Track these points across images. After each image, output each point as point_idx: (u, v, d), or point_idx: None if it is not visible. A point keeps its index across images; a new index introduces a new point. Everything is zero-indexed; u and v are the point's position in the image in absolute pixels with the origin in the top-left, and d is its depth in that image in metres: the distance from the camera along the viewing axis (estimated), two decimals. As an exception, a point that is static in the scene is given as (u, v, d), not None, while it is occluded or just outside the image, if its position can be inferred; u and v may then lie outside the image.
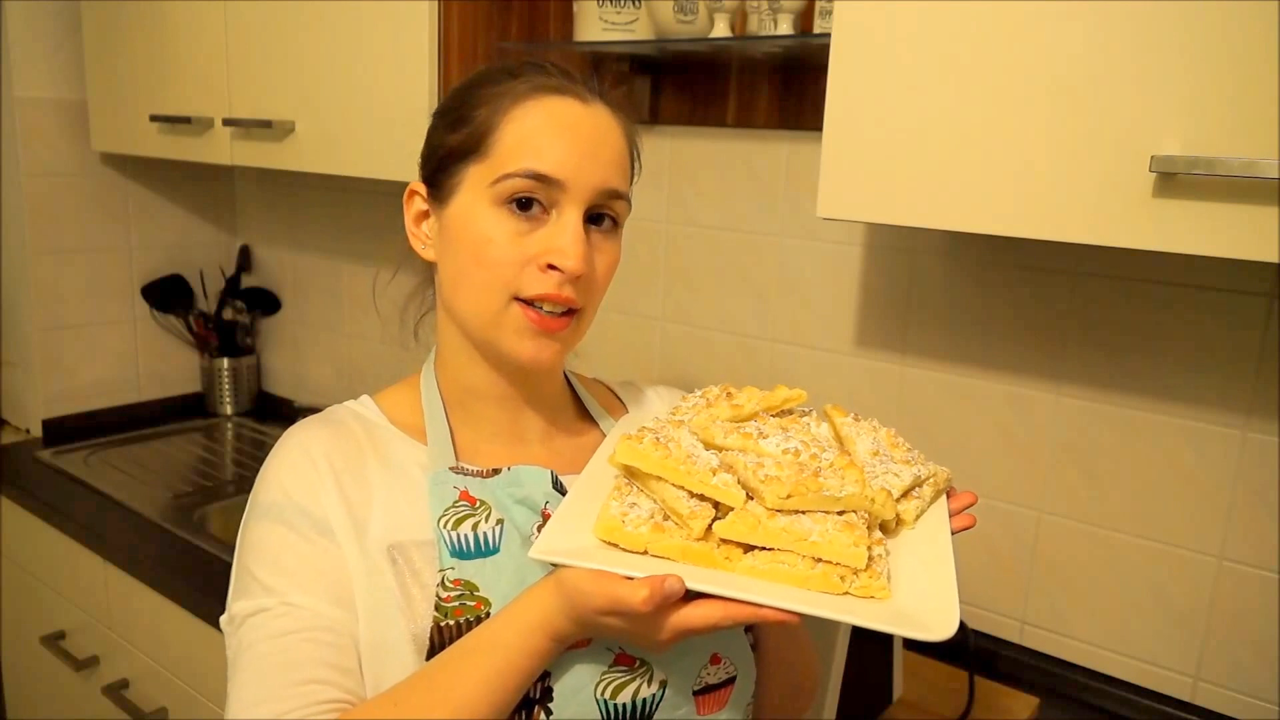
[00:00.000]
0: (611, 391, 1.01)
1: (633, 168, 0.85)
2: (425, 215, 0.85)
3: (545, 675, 0.76)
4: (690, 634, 0.68)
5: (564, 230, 0.78)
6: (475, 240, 0.79)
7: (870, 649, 1.19)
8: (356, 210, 2.15)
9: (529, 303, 0.79)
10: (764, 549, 0.70)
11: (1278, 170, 0.79)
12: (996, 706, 1.28)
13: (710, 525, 0.72)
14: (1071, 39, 0.91)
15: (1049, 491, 1.34)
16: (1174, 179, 0.86)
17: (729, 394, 0.86)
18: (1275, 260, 0.82)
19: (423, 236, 0.86)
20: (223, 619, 0.79)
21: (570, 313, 0.80)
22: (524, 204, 0.78)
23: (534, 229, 0.78)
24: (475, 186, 0.79)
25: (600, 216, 0.81)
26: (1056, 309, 1.30)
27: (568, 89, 0.80)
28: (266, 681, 0.72)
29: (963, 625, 1.33)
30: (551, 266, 0.77)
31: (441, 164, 0.82)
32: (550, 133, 0.78)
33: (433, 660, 0.74)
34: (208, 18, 1.76)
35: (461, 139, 0.80)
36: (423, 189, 0.85)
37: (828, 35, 1.08)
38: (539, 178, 0.77)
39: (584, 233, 0.79)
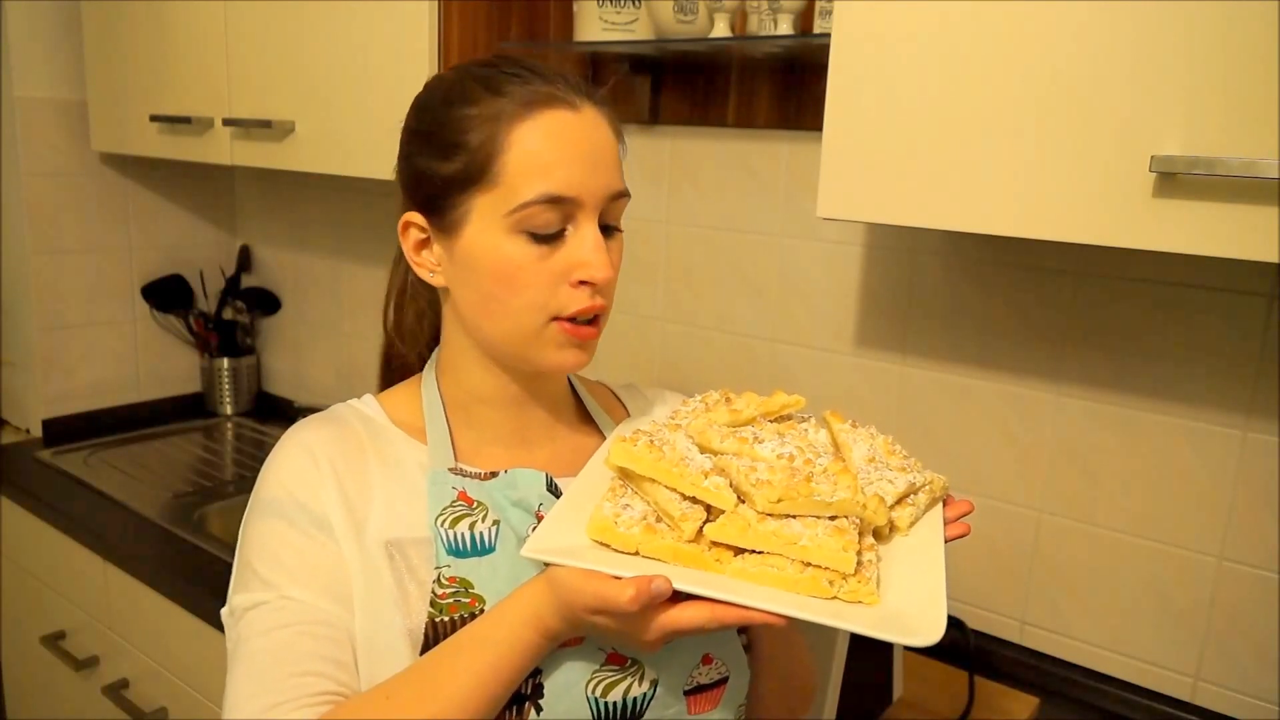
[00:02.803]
0: (613, 394, 1.01)
1: (622, 156, 0.85)
2: (426, 243, 0.84)
3: (536, 672, 0.76)
4: (678, 635, 0.68)
5: (585, 244, 0.78)
6: (502, 270, 0.78)
7: (870, 650, 1.19)
8: (356, 210, 2.15)
9: (567, 318, 0.80)
10: (754, 552, 0.71)
11: (1278, 170, 0.79)
12: (996, 706, 1.28)
13: (702, 528, 0.72)
14: (1071, 39, 0.91)
15: (1049, 491, 1.34)
16: (1174, 179, 0.86)
17: (728, 399, 0.87)
18: (1275, 260, 0.82)
19: (429, 264, 0.84)
20: (223, 611, 0.80)
21: (597, 317, 0.82)
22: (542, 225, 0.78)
23: (556, 248, 0.78)
24: (488, 216, 0.78)
25: (607, 229, 0.82)
26: (1056, 309, 1.30)
27: (557, 99, 0.78)
28: (262, 674, 0.73)
29: (963, 625, 1.33)
30: (583, 282, 0.78)
31: (439, 193, 0.80)
32: (555, 152, 0.77)
33: (426, 655, 0.75)
34: (208, 18, 1.76)
35: (459, 168, 0.78)
36: (419, 219, 0.83)
37: (828, 35, 1.07)
38: (555, 200, 0.77)
39: (602, 238, 0.79)
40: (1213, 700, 1.25)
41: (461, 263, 0.81)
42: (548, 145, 0.77)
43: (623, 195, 0.82)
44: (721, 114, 1.57)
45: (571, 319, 0.80)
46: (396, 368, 0.95)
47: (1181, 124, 0.86)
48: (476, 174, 0.78)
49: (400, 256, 0.88)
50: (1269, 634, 1.20)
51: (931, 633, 0.64)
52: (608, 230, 0.82)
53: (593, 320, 0.81)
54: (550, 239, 0.78)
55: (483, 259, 0.79)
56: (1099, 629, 1.33)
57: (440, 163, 0.79)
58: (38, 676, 2.00)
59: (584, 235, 0.78)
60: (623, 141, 0.84)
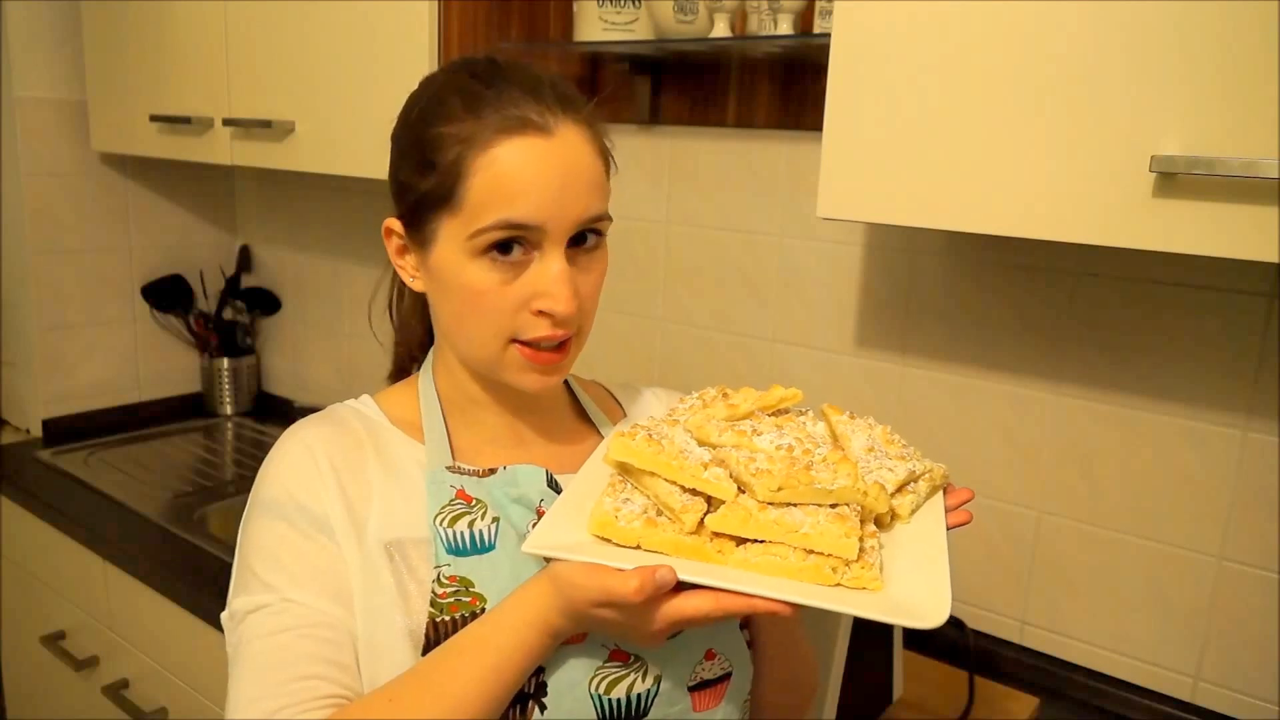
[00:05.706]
0: (610, 394, 1.01)
1: (608, 174, 0.83)
2: (405, 249, 0.84)
3: (540, 671, 0.76)
4: (683, 624, 0.68)
5: (548, 273, 0.77)
6: (464, 292, 0.78)
7: (870, 648, 1.19)
8: (356, 210, 2.15)
9: (526, 342, 0.79)
10: (756, 542, 0.71)
11: (1278, 170, 0.79)
12: (996, 706, 1.28)
13: (703, 519, 0.72)
14: (1072, 39, 0.91)
15: (1049, 491, 1.34)
16: (1174, 179, 0.86)
17: (725, 394, 0.87)
18: (1275, 260, 0.82)
19: (409, 268, 0.85)
20: (224, 615, 0.79)
21: (565, 342, 0.81)
22: (504, 248, 0.77)
23: (519, 273, 0.77)
24: (452, 239, 0.78)
25: (583, 236, 0.80)
26: (1056, 309, 1.30)
27: (531, 124, 0.76)
28: (264, 678, 0.73)
29: (963, 625, 1.33)
30: (543, 312, 0.78)
31: (416, 208, 0.80)
32: (520, 179, 0.75)
33: (428, 656, 0.75)
34: (208, 18, 1.76)
35: (431, 186, 0.78)
36: (399, 226, 0.83)
37: (828, 35, 1.08)
38: (515, 227, 0.76)
39: (568, 268, 0.78)
40: (1213, 700, 1.25)
41: (433, 278, 0.82)
42: (512, 172, 0.75)
43: (599, 219, 0.80)
44: (721, 114, 1.57)
45: (531, 343, 0.79)
46: (408, 364, 0.96)
47: (1181, 124, 0.86)
48: (444, 195, 0.77)
49: None
50: (1269, 634, 1.20)
51: (936, 615, 0.64)
52: (585, 246, 0.80)
53: (559, 347, 0.80)
54: (512, 262, 0.77)
55: (449, 280, 0.79)
56: (1099, 629, 1.33)
57: (415, 178, 0.79)
58: (38, 676, 2.00)
59: (548, 264, 0.77)
60: (609, 160, 0.83)
